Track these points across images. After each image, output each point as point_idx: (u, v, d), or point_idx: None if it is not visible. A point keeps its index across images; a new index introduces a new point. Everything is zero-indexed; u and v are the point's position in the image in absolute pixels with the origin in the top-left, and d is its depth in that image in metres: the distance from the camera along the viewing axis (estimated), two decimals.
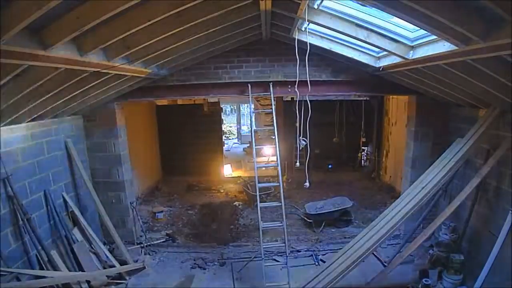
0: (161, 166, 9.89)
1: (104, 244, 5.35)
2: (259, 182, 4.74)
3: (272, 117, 5.13)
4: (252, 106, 5.41)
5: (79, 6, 2.15)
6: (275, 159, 4.80)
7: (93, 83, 3.73)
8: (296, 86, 4.32)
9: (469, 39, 2.26)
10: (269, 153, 10.44)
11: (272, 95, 5.10)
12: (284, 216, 4.60)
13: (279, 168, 4.74)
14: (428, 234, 4.19)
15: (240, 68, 5.07)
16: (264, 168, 8.58)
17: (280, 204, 4.63)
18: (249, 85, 5.09)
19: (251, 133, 5.21)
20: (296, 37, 3.80)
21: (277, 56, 5.00)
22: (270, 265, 4.80)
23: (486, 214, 4.25)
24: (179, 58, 4.40)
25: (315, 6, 3.14)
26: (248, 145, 13.47)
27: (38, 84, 3.03)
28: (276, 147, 4.80)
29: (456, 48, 2.51)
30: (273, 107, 5.17)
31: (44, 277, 3.89)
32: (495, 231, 3.81)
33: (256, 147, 5.15)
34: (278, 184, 4.77)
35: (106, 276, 4.67)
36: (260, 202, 4.65)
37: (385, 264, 4.84)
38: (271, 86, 5.09)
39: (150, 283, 4.75)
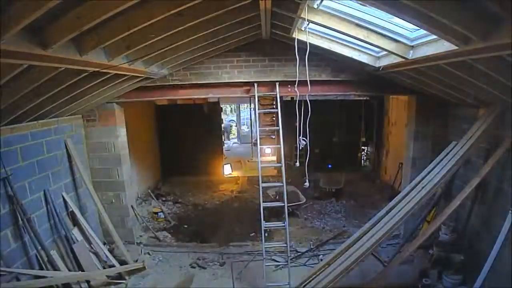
0: (161, 166, 9.89)
1: (104, 244, 5.35)
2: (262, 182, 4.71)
3: (277, 117, 5.08)
4: (256, 106, 5.36)
5: (79, 6, 2.15)
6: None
7: (93, 83, 3.72)
8: (296, 86, 4.32)
9: (469, 39, 2.25)
10: (269, 152, 10.43)
11: (278, 95, 5.06)
12: (286, 216, 4.57)
13: (283, 168, 4.69)
14: (428, 234, 4.19)
15: (240, 68, 5.06)
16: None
17: (283, 204, 4.61)
18: (254, 84, 5.08)
19: (256, 133, 5.16)
20: (296, 37, 3.80)
21: (277, 56, 4.99)
22: (270, 265, 4.80)
23: (486, 214, 4.25)
24: (179, 58, 4.40)
25: (315, 6, 3.14)
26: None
27: (38, 84, 3.02)
28: (281, 146, 4.78)
29: (456, 48, 2.50)
30: (279, 106, 5.05)
31: (44, 277, 3.89)
32: (495, 231, 3.81)
33: (259, 146, 5.11)
34: (282, 184, 4.70)
35: (106, 276, 4.67)
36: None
37: (385, 264, 4.84)
38: (277, 85, 5.08)
39: (150, 283, 4.75)
